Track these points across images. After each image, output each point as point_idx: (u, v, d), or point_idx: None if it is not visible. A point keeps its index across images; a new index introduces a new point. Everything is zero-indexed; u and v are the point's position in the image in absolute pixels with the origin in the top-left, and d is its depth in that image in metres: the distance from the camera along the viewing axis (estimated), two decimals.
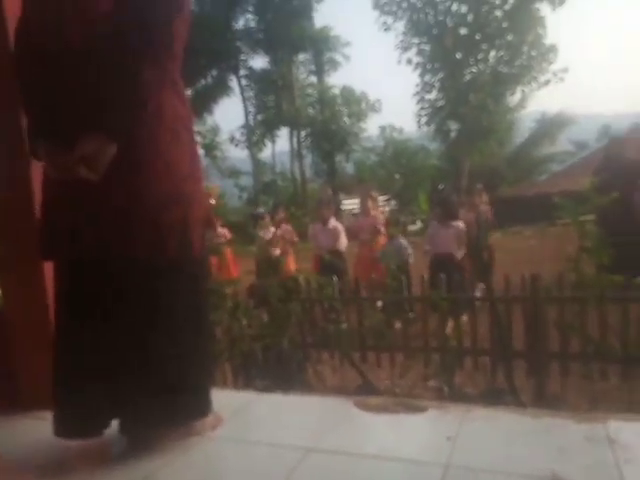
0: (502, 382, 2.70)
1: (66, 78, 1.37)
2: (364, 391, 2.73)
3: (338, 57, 24.27)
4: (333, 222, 5.66)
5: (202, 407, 1.55)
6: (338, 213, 6.20)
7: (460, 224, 4.96)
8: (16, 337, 1.92)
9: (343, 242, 5.56)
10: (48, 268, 1.73)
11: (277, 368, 2.90)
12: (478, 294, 3.63)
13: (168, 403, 1.44)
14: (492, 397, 2.48)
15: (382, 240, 5.65)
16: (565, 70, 18.64)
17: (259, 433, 1.60)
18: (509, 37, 18.17)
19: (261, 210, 6.50)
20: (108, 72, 1.32)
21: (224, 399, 1.66)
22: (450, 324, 3.31)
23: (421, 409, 1.69)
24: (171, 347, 1.45)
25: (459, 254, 4.82)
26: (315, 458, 1.41)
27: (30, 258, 1.79)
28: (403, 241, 5.43)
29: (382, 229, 5.68)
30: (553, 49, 18.39)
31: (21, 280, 1.89)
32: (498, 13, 17.98)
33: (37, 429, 1.70)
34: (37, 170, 1.61)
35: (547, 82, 18.76)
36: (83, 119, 1.34)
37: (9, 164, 1.83)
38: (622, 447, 1.34)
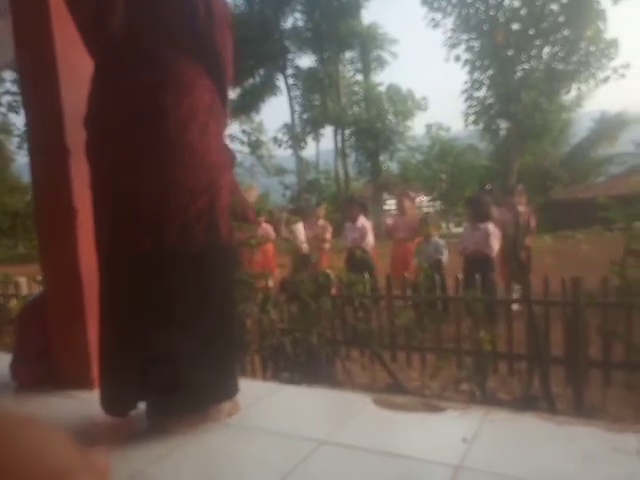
0: (538, 389, 2.58)
1: None
2: (393, 390, 2.68)
3: (385, 55, 24.10)
4: (362, 221, 5.69)
5: (227, 389, 1.60)
6: (367, 212, 6.17)
7: (489, 226, 4.81)
8: (51, 320, 2.03)
9: (369, 241, 5.58)
10: (84, 258, 1.83)
11: (306, 362, 2.91)
12: (515, 296, 3.49)
13: (193, 384, 1.48)
14: (527, 404, 2.37)
15: (417, 240, 5.60)
16: (626, 66, 17.55)
17: (275, 423, 1.61)
18: (565, 32, 17.27)
19: (299, 206, 6.55)
20: None
21: (246, 388, 1.68)
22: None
23: (440, 409, 1.64)
24: (198, 330, 1.50)
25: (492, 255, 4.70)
26: (326, 450, 1.40)
27: (68, 249, 1.90)
28: (440, 241, 5.35)
29: (416, 228, 5.64)
30: (614, 44, 17.32)
31: (58, 267, 2.01)
32: (554, 7, 17.13)
33: (64, 406, 1.78)
34: (78, 171, 1.73)
35: (606, 79, 17.72)
36: None
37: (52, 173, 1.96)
38: None
